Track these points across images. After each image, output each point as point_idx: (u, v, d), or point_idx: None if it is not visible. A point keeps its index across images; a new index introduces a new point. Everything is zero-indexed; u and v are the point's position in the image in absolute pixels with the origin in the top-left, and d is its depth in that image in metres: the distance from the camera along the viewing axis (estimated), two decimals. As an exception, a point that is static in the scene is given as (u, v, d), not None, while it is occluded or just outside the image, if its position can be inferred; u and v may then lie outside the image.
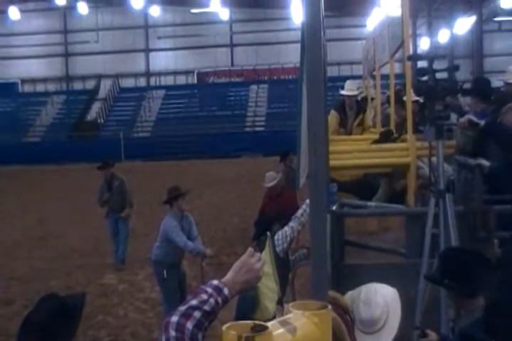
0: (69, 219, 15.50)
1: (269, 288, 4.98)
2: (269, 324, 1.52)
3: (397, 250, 5.76)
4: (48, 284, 9.51)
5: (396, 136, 7.12)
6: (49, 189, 22.65)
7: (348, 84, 9.05)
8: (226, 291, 2.08)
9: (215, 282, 2.10)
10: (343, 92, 8.96)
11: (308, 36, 2.27)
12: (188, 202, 8.09)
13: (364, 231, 6.67)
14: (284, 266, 5.52)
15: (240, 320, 1.56)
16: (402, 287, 3.30)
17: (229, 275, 2.15)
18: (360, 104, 9.45)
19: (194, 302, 2.02)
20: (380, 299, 2.87)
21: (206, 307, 2.01)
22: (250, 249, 2.24)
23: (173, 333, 1.94)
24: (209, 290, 2.06)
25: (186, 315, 1.98)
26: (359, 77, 16.60)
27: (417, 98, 5.89)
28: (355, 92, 9.18)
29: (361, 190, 7.13)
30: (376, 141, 7.29)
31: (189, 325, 1.96)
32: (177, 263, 7.66)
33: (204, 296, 2.03)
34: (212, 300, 2.03)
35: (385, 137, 7.34)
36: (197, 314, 1.98)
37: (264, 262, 2.25)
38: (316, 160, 2.22)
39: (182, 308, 2.00)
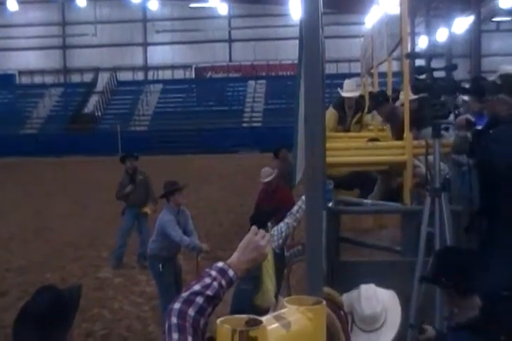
0: (65, 212, 15.49)
1: (269, 274, 5.01)
2: (263, 318, 1.53)
3: (393, 248, 5.77)
4: (44, 276, 9.52)
5: (390, 97, 7.14)
6: (46, 181, 22.62)
7: (347, 83, 8.97)
8: (231, 273, 2.05)
9: (220, 264, 2.08)
10: (343, 94, 8.89)
11: (307, 33, 2.27)
12: (184, 196, 8.08)
13: (360, 229, 6.68)
14: (279, 262, 5.54)
15: (235, 313, 1.56)
16: (397, 284, 3.32)
17: (234, 256, 2.12)
18: (359, 102, 9.42)
19: (197, 287, 1.98)
20: (380, 296, 2.96)
21: (209, 292, 1.97)
22: (254, 227, 2.20)
23: (174, 320, 1.90)
24: (213, 273, 2.03)
25: (188, 302, 1.94)
26: (357, 75, 16.57)
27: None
28: (355, 94, 9.12)
29: (357, 181, 7.15)
30: (372, 139, 7.29)
31: (191, 311, 1.92)
32: (173, 257, 7.67)
33: (207, 280, 2.00)
34: (215, 283, 2.00)
35: (375, 99, 7.37)
36: (199, 299, 1.95)
37: (268, 239, 2.21)
38: (313, 157, 2.23)
39: (185, 294, 1.97)
